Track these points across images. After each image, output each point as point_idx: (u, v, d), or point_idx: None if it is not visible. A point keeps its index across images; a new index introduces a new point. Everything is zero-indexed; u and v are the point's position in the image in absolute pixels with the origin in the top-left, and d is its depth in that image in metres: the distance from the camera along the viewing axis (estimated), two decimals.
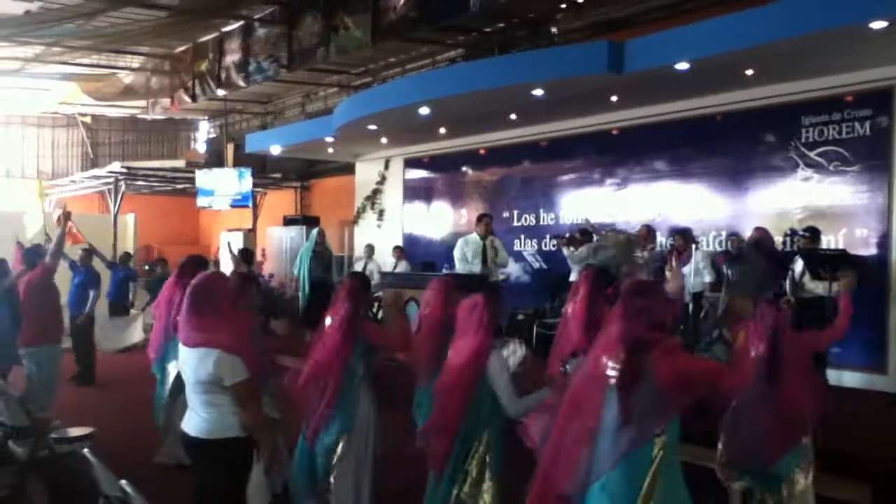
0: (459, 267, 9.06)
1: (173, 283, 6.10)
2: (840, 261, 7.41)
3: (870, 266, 7.34)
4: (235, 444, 3.58)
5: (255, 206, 17.73)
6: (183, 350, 3.65)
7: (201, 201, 17.05)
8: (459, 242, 9.27)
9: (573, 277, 9.51)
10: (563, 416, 3.05)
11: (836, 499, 5.04)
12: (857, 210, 8.08)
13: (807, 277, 7.32)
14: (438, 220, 13.51)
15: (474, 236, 9.15)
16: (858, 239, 8.05)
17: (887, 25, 6.44)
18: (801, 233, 7.76)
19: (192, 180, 17.42)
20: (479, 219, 9.38)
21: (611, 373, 2.96)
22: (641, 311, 2.97)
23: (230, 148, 17.97)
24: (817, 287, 7.22)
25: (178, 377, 5.96)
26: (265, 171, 17.75)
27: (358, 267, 12.90)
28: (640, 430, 2.88)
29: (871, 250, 7.88)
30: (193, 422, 3.64)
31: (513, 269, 10.16)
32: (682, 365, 2.91)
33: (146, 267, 14.44)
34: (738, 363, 3.66)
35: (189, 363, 3.59)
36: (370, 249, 13.13)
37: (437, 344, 4.38)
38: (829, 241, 8.18)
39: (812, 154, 8.41)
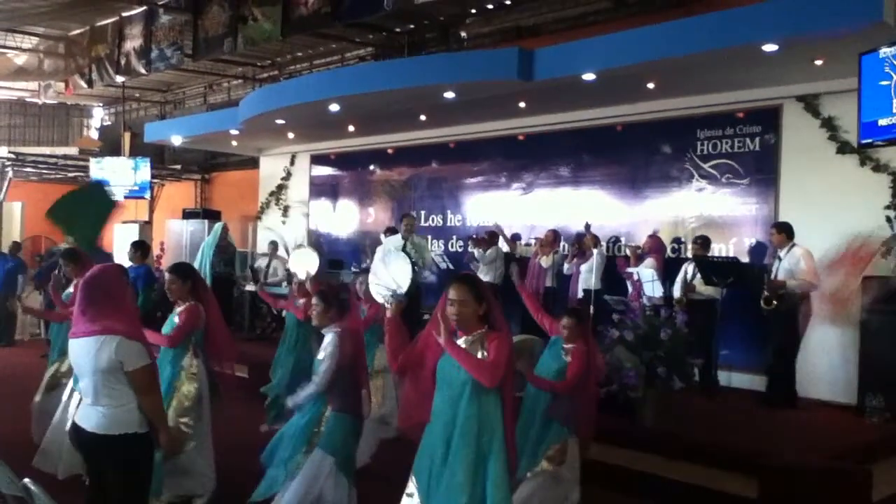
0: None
1: None
2: (730, 267, 7.91)
3: (757, 273, 7.79)
4: (136, 439, 3.53)
5: (153, 198, 17.18)
6: (78, 343, 3.55)
7: None
8: (385, 241, 9.36)
9: (482, 277, 9.72)
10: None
11: (724, 492, 5.36)
12: (747, 220, 8.58)
13: (697, 281, 7.75)
14: (345, 218, 13.47)
15: (397, 236, 9.23)
16: (747, 247, 8.53)
17: (777, 49, 6.87)
18: (693, 240, 8.20)
19: (84, 168, 16.71)
20: (401, 218, 9.52)
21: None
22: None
23: (127, 136, 17.35)
24: (706, 290, 7.67)
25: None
26: (163, 161, 17.22)
27: (262, 263, 12.72)
28: None
29: (759, 258, 8.36)
30: (90, 416, 3.53)
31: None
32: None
33: (37, 258, 13.80)
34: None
35: (87, 353, 3.49)
36: (274, 245, 12.94)
37: None
38: (720, 249, 8.66)
39: (706, 166, 8.86)
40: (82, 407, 3.62)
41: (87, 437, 3.54)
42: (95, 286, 3.61)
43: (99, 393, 3.50)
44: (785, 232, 7.30)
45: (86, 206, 7.02)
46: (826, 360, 7.60)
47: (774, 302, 7.13)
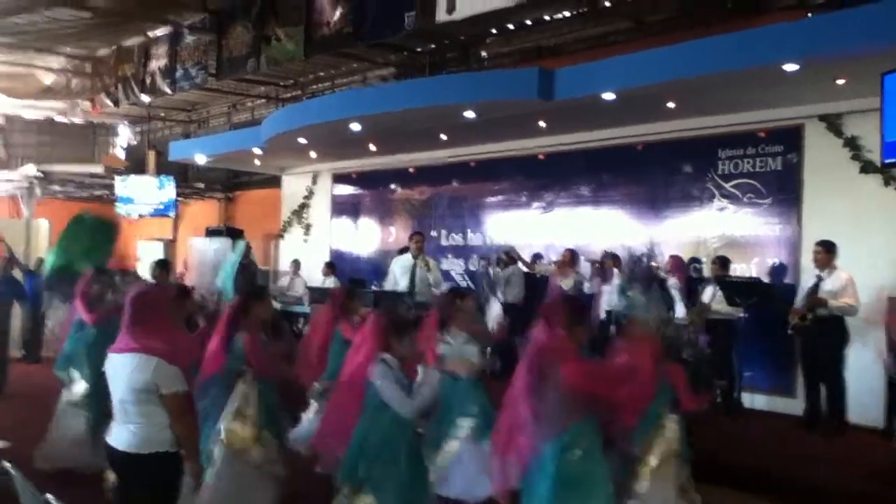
0: (389, 285, 9.10)
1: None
2: (753, 287, 7.85)
3: (779, 293, 7.72)
4: (166, 458, 3.54)
5: (177, 216, 17.36)
6: (117, 358, 3.59)
7: (120, 209, 16.60)
8: (394, 260, 9.31)
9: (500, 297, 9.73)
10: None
11: None
12: (769, 240, 8.51)
13: (715, 301, 7.67)
14: (366, 236, 13.53)
15: (408, 255, 9.19)
16: (770, 268, 8.46)
17: (798, 69, 6.84)
18: (711, 261, 8.14)
19: (110, 187, 16.94)
20: (410, 237, 9.44)
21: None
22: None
23: (152, 155, 17.56)
24: (724, 309, 7.58)
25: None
26: (188, 180, 17.41)
27: (284, 282, 12.80)
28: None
29: (782, 279, 8.29)
30: (121, 435, 3.57)
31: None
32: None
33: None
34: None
35: (123, 371, 3.53)
36: (296, 264, 13.03)
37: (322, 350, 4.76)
38: (741, 270, 8.59)
39: (728, 186, 8.81)
40: (113, 426, 3.64)
41: (118, 457, 3.57)
42: (144, 304, 3.65)
43: (130, 411, 3.53)
44: (832, 252, 7.12)
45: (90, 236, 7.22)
46: (853, 382, 7.49)
47: (809, 316, 6.98)
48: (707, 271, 8.47)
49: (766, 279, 8.38)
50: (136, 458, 3.52)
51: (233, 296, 10.87)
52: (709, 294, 7.84)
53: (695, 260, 8.98)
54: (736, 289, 7.65)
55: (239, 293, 11.04)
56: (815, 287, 7.07)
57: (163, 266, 8.74)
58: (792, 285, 8.11)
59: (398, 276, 8.99)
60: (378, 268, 12.58)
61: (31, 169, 16.76)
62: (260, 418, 4.85)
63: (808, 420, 7.28)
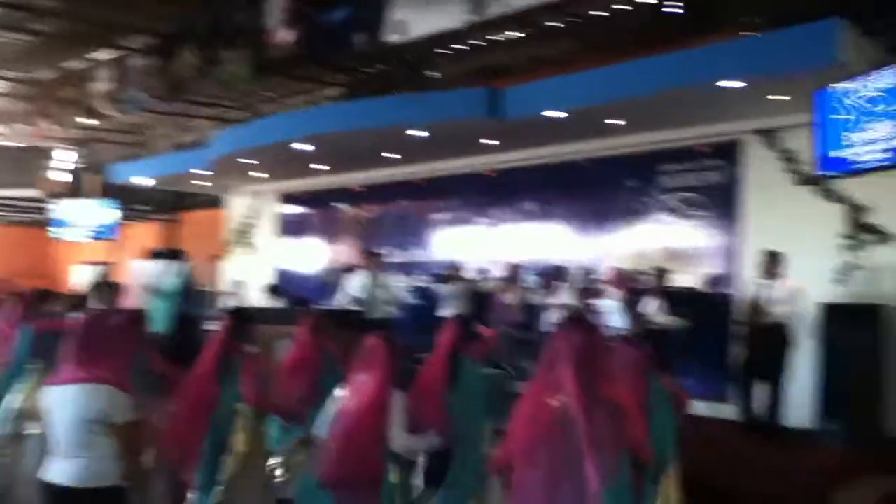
0: (342, 302, 9.17)
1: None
2: (693, 298, 8.11)
3: (719, 303, 7.99)
4: (112, 493, 3.41)
5: (117, 240, 17.03)
6: (62, 390, 3.42)
7: (54, 232, 16.18)
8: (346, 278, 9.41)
9: (444, 312, 9.78)
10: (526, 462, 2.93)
11: None
12: (709, 252, 8.80)
13: (656, 311, 7.89)
14: (313, 255, 13.47)
15: (363, 273, 9.25)
16: (710, 278, 8.74)
17: (737, 86, 7.15)
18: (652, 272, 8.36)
19: (46, 210, 16.56)
20: (367, 256, 9.70)
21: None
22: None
23: (95, 178, 17.24)
24: (663, 320, 7.80)
25: None
26: (130, 202, 17.11)
27: (229, 302, 12.62)
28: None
29: (720, 288, 8.57)
30: (65, 470, 3.38)
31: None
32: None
33: None
34: None
35: (72, 401, 3.36)
36: (238, 285, 12.88)
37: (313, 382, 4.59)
38: (683, 281, 8.83)
39: (669, 199, 9.10)
40: (52, 461, 3.46)
41: (61, 492, 3.39)
42: (91, 332, 3.53)
43: (77, 444, 3.36)
44: (775, 261, 7.31)
45: None
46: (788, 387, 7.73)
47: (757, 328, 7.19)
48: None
49: (707, 290, 8.65)
50: (83, 494, 3.36)
51: (177, 317, 10.74)
52: (653, 305, 8.05)
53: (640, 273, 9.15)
54: (676, 299, 7.89)
55: (182, 316, 10.89)
56: (760, 296, 7.28)
57: (111, 287, 8.41)
58: (729, 295, 8.37)
59: (354, 293, 9.04)
60: (326, 287, 12.52)
61: None
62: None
63: (747, 424, 7.48)
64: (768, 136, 8.25)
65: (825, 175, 7.05)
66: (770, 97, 7.48)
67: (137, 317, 5.11)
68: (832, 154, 6.79)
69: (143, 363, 4.66)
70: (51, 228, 16.16)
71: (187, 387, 4.41)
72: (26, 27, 12.38)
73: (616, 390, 2.89)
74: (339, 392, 3.86)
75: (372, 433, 3.66)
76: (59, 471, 3.40)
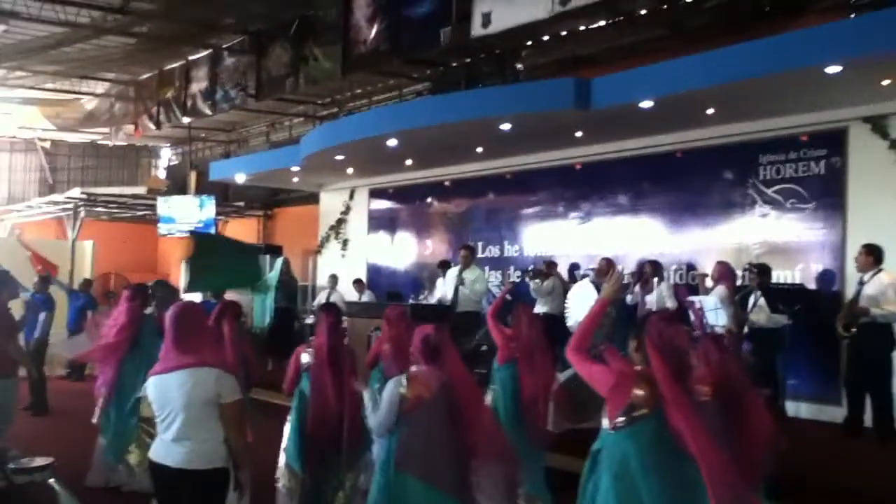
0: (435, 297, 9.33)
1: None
2: (798, 294, 7.69)
3: (824, 300, 7.57)
4: (220, 474, 3.59)
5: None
6: (170, 377, 3.59)
7: (162, 229, 16.86)
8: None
9: (538, 309, 9.66)
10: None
11: None
12: (813, 246, 8.34)
13: (756, 309, 7.50)
14: (403, 250, 13.57)
15: (455, 268, 9.40)
16: (814, 274, 8.30)
17: (841, 70, 6.73)
18: (751, 268, 7.93)
19: (152, 207, 17.24)
20: (459, 250, 9.80)
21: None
22: None
23: (193, 175, 17.86)
24: (760, 318, 7.42)
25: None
26: (228, 199, 17.66)
27: (322, 297, 12.87)
28: None
29: (826, 285, 8.12)
30: (176, 453, 3.56)
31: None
32: None
33: (108, 294, 14.23)
34: None
35: (180, 388, 3.54)
36: (334, 279, 13.10)
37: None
38: (785, 276, 8.44)
39: (769, 191, 8.67)
40: (162, 444, 3.63)
41: (170, 474, 3.56)
42: (187, 320, 3.70)
43: (187, 427, 3.53)
44: (874, 255, 6.87)
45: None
46: None
47: (853, 329, 6.78)
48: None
49: (810, 286, 8.22)
50: (192, 475, 3.53)
51: (273, 311, 11.08)
52: (751, 302, 7.69)
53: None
54: (780, 296, 7.50)
55: (279, 310, 11.24)
56: (857, 292, 6.87)
57: None
58: (837, 292, 7.95)
59: (443, 287, 9.23)
60: (415, 281, 12.61)
61: (75, 192, 17.13)
62: None
63: (849, 428, 7.07)
64: (876, 123, 7.74)
65: None
66: (878, 81, 7.02)
67: (231, 308, 5.51)
68: None
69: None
70: (159, 225, 16.80)
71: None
72: (126, 30, 12.88)
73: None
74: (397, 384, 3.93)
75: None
76: (167, 454, 3.58)
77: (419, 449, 3.72)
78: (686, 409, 2.96)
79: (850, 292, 7.23)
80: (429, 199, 13.11)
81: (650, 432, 3.07)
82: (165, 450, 3.59)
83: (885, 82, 7.06)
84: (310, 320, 11.97)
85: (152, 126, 17.20)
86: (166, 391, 3.58)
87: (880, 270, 6.84)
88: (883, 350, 6.78)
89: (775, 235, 8.62)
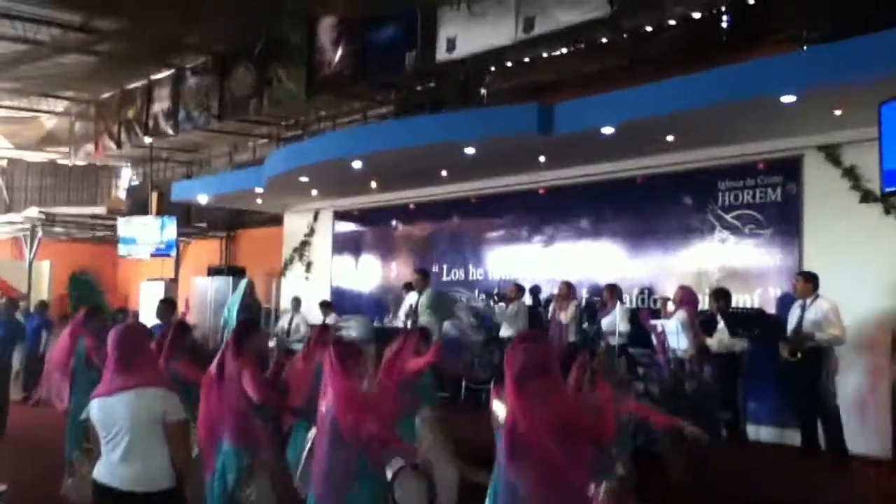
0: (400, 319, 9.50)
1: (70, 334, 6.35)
2: (754, 319, 7.83)
3: (782, 324, 7.69)
4: (169, 494, 3.58)
5: (179, 256, 17.39)
6: (114, 399, 3.57)
7: (122, 250, 16.65)
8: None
9: (503, 333, 9.71)
10: None
11: None
12: (770, 271, 8.50)
13: (718, 333, 7.62)
14: (367, 273, 13.53)
15: (413, 292, 9.41)
16: (772, 298, 8.44)
17: (795, 99, 6.91)
18: (711, 294, 8.06)
19: (112, 228, 17.03)
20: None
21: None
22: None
23: (154, 196, 17.65)
24: (721, 343, 7.54)
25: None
26: (190, 220, 17.48)
27: (284, 320, 12.76)
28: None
29: (784, 310, 8.24)
30: (124, 474, 3.53)
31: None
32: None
33: (65, 317, 13.95)
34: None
35: (127, 408, 3.53)
36: (297, 302, 13.00)
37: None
38: (744, 301, 8.57)
39: (728, 217, 8.84)
40: (107, 465, 3.60)
41: (117, 496, 3.53)
42: (129, 341, 3.71)
43: (133, 449, 3.52)
44: (812, 282, 7.08)
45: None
46: (858, 412, 7.42)
47: (799, 354, 6.94)
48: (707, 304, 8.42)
49: (768, 310, 8.36)
50: (140, 497, 3.51)
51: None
52: (715, 327, 7.79)
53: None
54: (738, 320, 7.63)
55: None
56: (800, 318, 7.02)
57: (167, 304, 8.77)
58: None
59: (401, 311, 9.25)
60: (380, 304, 12.57)
61: (33, 211, 16.83)
62: None
63: (806, 451, 7.19)
64: (830, 151, 7.95)
65: (892, 192, 6.72)
66: (831, 111, 7.21)
67: (180, 329, 5.56)
68: None
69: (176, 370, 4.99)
70: (119, 246, 16.56)
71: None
72: (87, 48, 12.75)
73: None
74: None
75: None
76: (118, 474, 3.55)
77: None
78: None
79: (790, 316, 7.34)
80: (393, 222, 13.12)
81: None
82: (111, 471, 3.57)
83: (838, 112, 7.26)
84: (271, 344, 11.86)
85: (113, 146, 16.98)
86: (112, 412, 3.56)
87: (818, 297, 7.01)
88: (826, 374, 6.92)
89: (734, 260, 8.77)
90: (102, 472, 3.61)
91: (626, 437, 4.32)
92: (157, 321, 8.31)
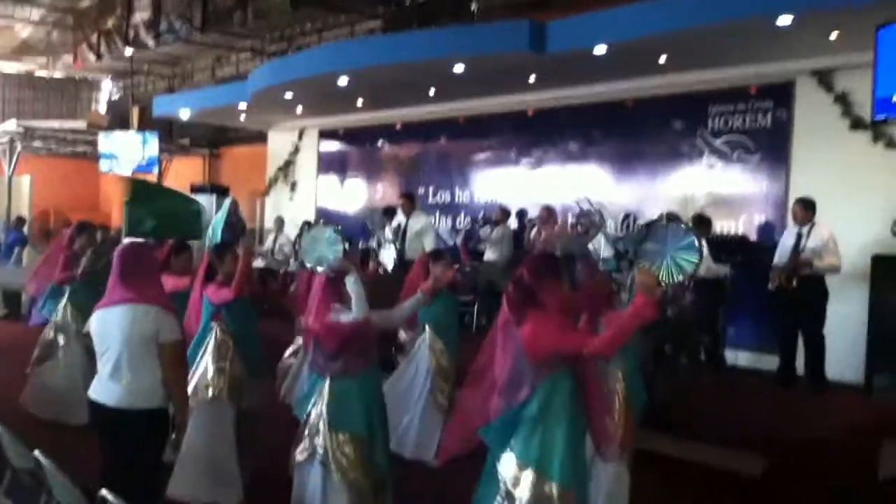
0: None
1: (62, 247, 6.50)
2: (738, 245, 7.85)
3: (766, 251, 7.73)
4: (158, 413, 3.55)
5: (161, 173, 17.16)
6: (111, 311, 3.54)
7: (104, 165, 16.39)
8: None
9: (487, 256, 9.72)
10: (480, 364, 3.34)
11: (729, 470, 5.32)
12: (756, 198, 8.50)
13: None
14: (353, 194, 13.43)
15: (399, 215, 9.41)
16: (757, 225, 8.46)
17: (792, 21, 6.76)
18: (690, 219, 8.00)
19: (93, 143, 16.72)
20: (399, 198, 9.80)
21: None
22: (520, 280, 3.22)
23: (135, 111, 17.31)
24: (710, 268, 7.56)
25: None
26: (172, 136, 17.19)
27: (269, 240, 12.71)
28: (514, 389, 3.14)
29: (767, 237, 8.29)
30: (113, 391, 3.50)
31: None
32: (541, 332, 3.11)
33: (47, 233, 13.84)
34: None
35: (119, 323, 3.49)
36: (280, 222, 12.92)
37: None
38: (728, 227, 8.59)
39: (717, 142, 8.77)
40: (99, 382, 3.59)
41: (106, 412, 3.52)
42: (134, 257, 3.69)
43: (123, 365, 3.49)
44: (811, 209, 7.02)
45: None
46: (834, 339, 7.51)
47: (794, 281, 6.94)
48: None
49: (753, 237, 8.39)
50: (127, 414, 3.48)
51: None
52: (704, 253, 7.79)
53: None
54: (721, 246, 7.65)
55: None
56: (797, 244, 7.02)
57: None
58: (777, 243, 8.12)
59: (389, 235, 9.24)
60: (365, 225, 12.50)
61: (11, 124, 16.46)
62: (237, 368, 4.81)
63: (783, 378, 7.30)
64: (823, 76, 7.84)
65: (882, 119, 6.65)
66: (827, 35, 7.08)
67: (179, 247, 5.54)
68: (891, 97, 6.40)
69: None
70: (101, 161, 16.29)
71: None
72: None
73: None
74: None
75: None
76: (104, 391, 3.53)
77: None
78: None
79: (783, 242, 7.35)
80: (380, 143, 12.95)
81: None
82: (102, 387, 3.54)
83: (834, 35, 7.12)
84: (258, 263, 11.83)
85: (92, 57, 16.55)
86: (106, 326, 3.54)
87: (814, 224, 7.00)
88: (821, 300, 6.98)
89: (721, 186, 8.75)
90: (95, 388, 3.59)
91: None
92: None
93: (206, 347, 4.81)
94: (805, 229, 7.01)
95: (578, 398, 3.16)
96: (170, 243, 5.62)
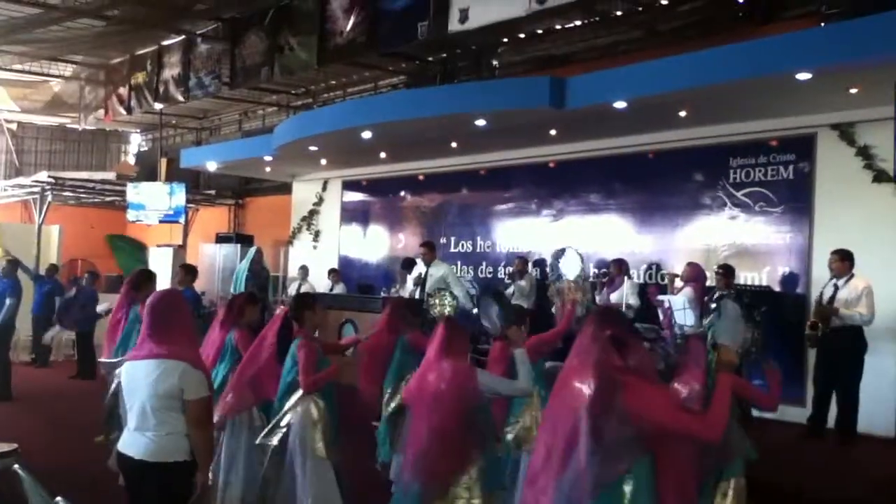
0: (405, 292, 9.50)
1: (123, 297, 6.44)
2: (763, 297, 7.81)
3: (790, 302, 7.70)
4: (182, 467, 3.51)
5: (187, 223, 17.43)
6: (137, 365, 3.55)
7: (131, 215, 16.68)
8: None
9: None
10: (541, 441, 3.00)
11: None
12: (780, 249, 8.48)
13: None
14: (375, 243, 13.56)
15: (420, 265, 9.40)
16: (780, 277, 8.44)
17: (811, 77, 6.84)
18: (716, 271, 7.99)
19: (121, 193, 17.05)
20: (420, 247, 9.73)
21: (584, 398, 2.82)
22: (610, 338, 2.87)
23: (163, 162, 17.66)
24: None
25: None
26: (199, 186, 17.49)
27: (292, 288, 12.82)
28: (607, 465, 2.74)
29: (791, 288, 8.27)
30: (138, 443, 3.51)
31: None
32: (654, 407, 2.77)
33: (74, 280, 14.04)
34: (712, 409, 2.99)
35: (147, 375, 3.48)
36: (304, 271, 13.07)
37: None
38: (752, 279, 8.57)
39: (739, 194, 8.80)
40: (127, 433, 3.59)
41: (132, 465, 3.51)
42: (165, 309, 3.62)
43: (149, 418, 3.47)
44: (848, 260, 6.96)
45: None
46: (864, 391, 7.41)
47: (820, 328, 6.89)
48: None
49: (776, 288, 8.36)
50: (152, 467, 3.47)
51: None
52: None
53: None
54: (746, 297, 7.62)
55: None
56: (832, 296, 6.96)
57: (188, 271, 8.69)
58: (802, 295, 8.10)
59: (410, 283, 9.25)
60: (387, 274, 12.61)
61: (42, 175, 16.85)
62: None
63: (812, 429, 7.21)
64: (844, 130, 7.89)
65: None
66: (847, 89, 7.15)
67: (251, 298, 5.58)
68: None
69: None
70: (128, 211, 16.60)
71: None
72: (98, 13, 12.69)
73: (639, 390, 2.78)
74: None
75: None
76: (131, 443, 3.52)
77: None
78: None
79: (815, 295, 7.33)
80: (402, 193, 13.11)
81: None
82: (130, 439, 3.55)
83: (853, 90, 7.20)
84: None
85: (123, 111, 16.94)
86: (134, 379, 3.54)
87: (853, 276, 6.93)
88: (857, 352, 6.89)
89: (743, 238, 8.76)
90: (124, 439, 3.60)
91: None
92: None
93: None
94: (842, 281, 6.97)
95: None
96: (243, 295, 5.71)
